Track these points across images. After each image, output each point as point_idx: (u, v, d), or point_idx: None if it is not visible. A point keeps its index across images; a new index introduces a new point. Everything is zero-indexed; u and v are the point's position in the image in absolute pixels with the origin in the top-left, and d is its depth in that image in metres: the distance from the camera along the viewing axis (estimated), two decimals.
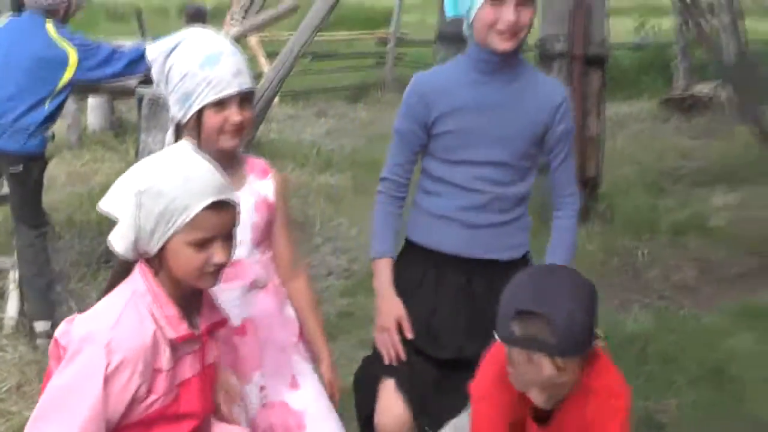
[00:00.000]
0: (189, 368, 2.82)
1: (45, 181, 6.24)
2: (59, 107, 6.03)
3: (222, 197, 2.71)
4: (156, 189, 2.67)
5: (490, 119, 3.39)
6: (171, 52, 3.18)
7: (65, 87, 5.90)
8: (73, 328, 2.70)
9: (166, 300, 2.74)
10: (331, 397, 3.43)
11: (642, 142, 12.83)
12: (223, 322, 2.98)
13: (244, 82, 3.16)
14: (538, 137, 3.47)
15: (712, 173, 10.72)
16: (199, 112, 3.13)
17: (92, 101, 11.31)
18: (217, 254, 2.73)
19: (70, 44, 5.85)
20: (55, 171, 8.67)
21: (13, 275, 6.19)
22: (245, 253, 3.29)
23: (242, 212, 2.97)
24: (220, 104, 3.12)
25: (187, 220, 2.67)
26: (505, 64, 3.38)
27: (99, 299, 2.82)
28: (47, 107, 5.84)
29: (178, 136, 3.22)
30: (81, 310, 2.87)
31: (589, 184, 8.91)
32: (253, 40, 13.79)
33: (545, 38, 9.14)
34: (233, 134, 3.18)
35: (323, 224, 8.15)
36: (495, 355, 3.05)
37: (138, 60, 6.09)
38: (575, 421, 3.02)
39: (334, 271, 7.18)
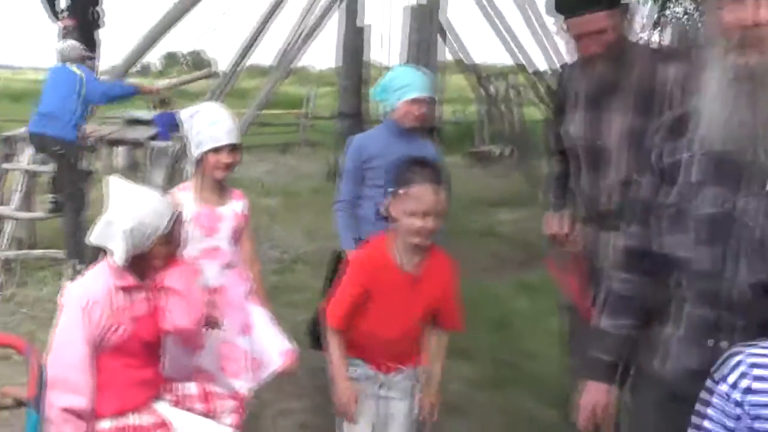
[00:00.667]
0: (140, 309, 2.73)
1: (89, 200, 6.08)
2: (84, 111, 6.22)
3: (173, 213, 2.73)
4: (138, 225, 2.63)
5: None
6: (194, 115, 3.17)
7: (85, 97, 6.12)
8: (66, 291, 2.68)
9: (121, 271, 2.67)
10: None
11: (456, 180, 12.68)
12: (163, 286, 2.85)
13: (232, 138, 3.15)
14: None
15: (500, 200, 10.72)
16: (205, 154, 3.11)
17: (119, 150, 11.00)
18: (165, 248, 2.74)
19: (79, 70, 6.16)
20: (95, 194, 8.37)
21: None
22: (226, 245, 3.24)
23: (227, 219, 3.20)
24: (216, 150, 3.10)
25: (161, 233, 2.67)
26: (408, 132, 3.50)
27: None
28: (77, 109, 6.06)
29: (196, 169, 3.24)
30: None
31: None
32: None
33: None
34: (223, 170, 3.16)
35: (264, 230, 7.97)
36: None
37: (127, 95, 6.81)
38: (433, 267, 2.81)
39: (271, 259, 7.03)
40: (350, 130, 12.20)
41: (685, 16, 12.35)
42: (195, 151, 3.16)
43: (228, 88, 11.40)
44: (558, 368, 3.50)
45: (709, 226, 1.84)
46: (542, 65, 12.66)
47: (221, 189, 3.26)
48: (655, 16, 12.33)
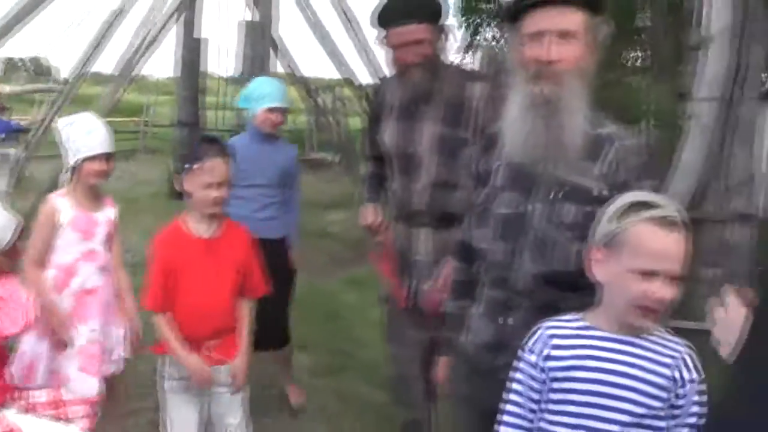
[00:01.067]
0: None
1: None
2: None
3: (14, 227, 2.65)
4: None
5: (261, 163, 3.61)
6: (70, 124, 3.11)
7: None
8: None
9: None
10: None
11: None
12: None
13: (106, 147, 3.10)
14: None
15: (331, 202, 10.80)
16: (80, 162, 3.05)
17: None
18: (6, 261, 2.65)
19: None
20: None
21: None
22: (101, 248, 3.17)
23: (101, 224, 3.15)
24: (92, 159, 3.07)
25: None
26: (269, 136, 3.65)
27: None
28: None
29: (72, 176, 3.12)
30: None
31: None
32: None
33: (238, 124, 9.06)
34: (97, 177, 3.12)
35: None
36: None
37: None
38: (232, 234, 2.87)
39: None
40: (188, 138, 11.96)
41: (494, 41, 12.94)
42: (71, 159, 3.09)
43: (71, 95, 10.89)
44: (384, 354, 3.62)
45: (504, 224, 2.04)
46: (366, 79, 12.95)
47: (96, 195, 3.19)
48: (468, 40, 12.84)
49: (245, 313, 2.95)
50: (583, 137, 1.95)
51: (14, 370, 2.96)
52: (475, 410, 2.20)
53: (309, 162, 15.91)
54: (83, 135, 3.08)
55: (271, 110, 3.62)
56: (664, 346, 1.69)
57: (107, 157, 3.11)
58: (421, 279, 2.94)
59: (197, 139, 3.04)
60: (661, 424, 1.66)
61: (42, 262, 3.06)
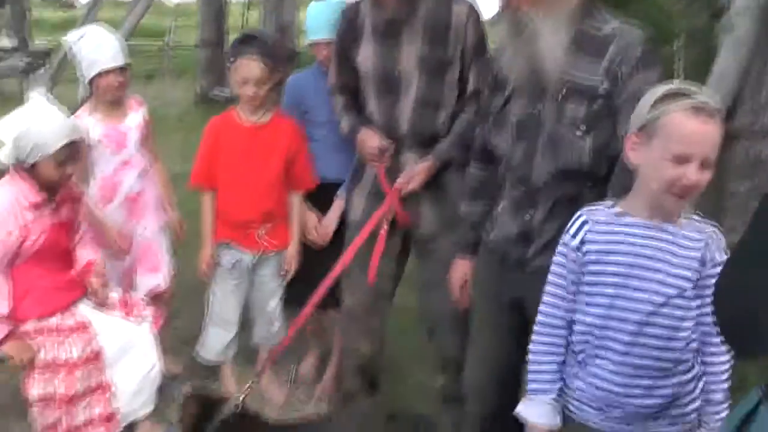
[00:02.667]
0: (49, 220, 2.81)
1: None
2: None
3: (73, 138, 2.76)
4: (29, 136, 2.68)
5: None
6: (79, 39, 3.15)
7: None
8: None
9: (28, 186, 2.73)
10: None
11: None
12: (77, 196, 2.98)
13: (119, 60, 3.16)
14: None
15: None
16: (94, 77, 3.12)
17: None
18: (68, 168, 2.76)
19: None
20: None
21: None
22: (136, 155, 3.30)
23: (131, 131, 3.24)
24: (105, 73, 3.14)
25: (47, 154, 2.70)
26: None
27: None
28: None
29: (90, 93, 3.23)
30: None
31: None
32: None
33: None
34: (114, 91, 3.21)
35: None
36: None
37: None
38: (279, 124, 3.14)
39: None
40: (212, 58, 11.99)
41: None
42: (87, 74, 3.15)
43: (91, 19, 10.94)
44: None
45: (519, 127, 2.24)
46: None
47: (119, 105, 3.27)
48: None
49: (294, 204, 3.19)
50: (587, 37, 2.10)
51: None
52: (503, 301, 2.39)
53: None
54: (94, 49, 3.13)
55: (316, 45, 3.23)
56: (695, 230, 1.83)
57: (121, 69, 3.17)
58: (407, 203, 2.90)
59: (237, 39, 3.11)
60: (691, 303, 1.81)
61: (87, 181, 3.21)
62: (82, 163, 2.98)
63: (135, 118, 3.30)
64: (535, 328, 1.99)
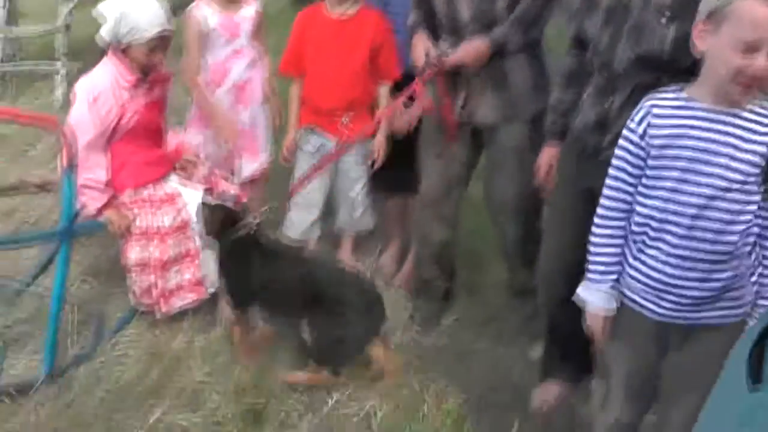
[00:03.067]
0: (142, 99, 3.02)
1: None
2: None
3: (166, 28, 2.95)
4: (128, 17, 2.88)
5: None
6: None
7: None
8: (77, 85, 2.97)
9: (124, 66, 2.93)
10: None
11: None
12: (167, 77, 3.17)
13: None
14: None
15: None
16: None
17: None
18: (157, 56, 2.98)
19: None
20: None
21: None
22: (247, 45, 3.44)
23: (244, 22, 3.39)
24: None
25: (141, 40, 2.90)
26: None
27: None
28: None
29: None
30: None
31: None
32: None
33: None
34: None
35: None
36: None
37: None
38: (365, 18, 3.22)
39: None
40: None
41: None
42: None
43: None
44: None
45: (609, 12, 2.22)
46: None
47: None
48: None
49: (381, 94, 3.29)
50: None
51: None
52: (578, 190, 2.43)
53: None
54: None
55: None
56: (763, 117, 1.80)
57: None
58: (471, 92, 2.93)
59: None
60: (754, 189, 1.81)
61: (200, 69, 3.39)
62: (167, 51, 3.12)
63: (249, 10, 3.44)
64: (597, 215, 2.01)
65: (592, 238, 2.02)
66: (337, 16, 3.21)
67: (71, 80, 5.95)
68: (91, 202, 2.94)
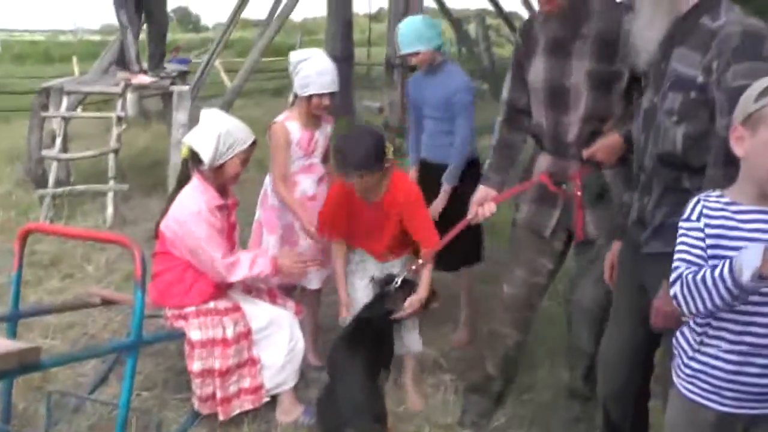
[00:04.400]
0: (226, 222, 3.22)
1: None
2: None
3: (253, 138, 3.22)
4: (231, 133, 3.12)
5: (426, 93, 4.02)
6: (304, 60, 3.58)
7: None
8: (171, 218, 3.13)
9: (213, 190, 3.14)
10: None
11: None
12: (238, 202, 3.37)
13: (334, 87, 3.59)
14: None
15: (480, 128, 10.90)
16: (310, 96, 3.57)
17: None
18: (244, 165, 3.21)
19: None
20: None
21: None
22: (319, 162, 3.77)
23: (320, 141, 3.69)
24: (320, 95, 3.57)
25: (242, 149, 3.14)
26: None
27: (172, 195, 3.25)
28: None
29: (294, 101, 3.68)
30: None
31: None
32: (217, 64, 13.54)
33: (388, 56, 9.41)
34: (323, 110, 3.64)
35: None
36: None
37: None
38: (391, 202, 3.32)
39: None
40: (341, 73, 12.28)
41: None
42: (301, 90, 3.58)
43: (225, 40, 11.63)
44: None
45: (644, 116, 2.38)
46: (512, 7, 12.78)
47: (317, 117, 3.71)
48: None
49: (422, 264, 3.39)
50: (700, 30, 2.18)
51: None
52: (631, 285, 2.52)
53: None
54: (316, 74, 3.53)
55: (407, 55, 3.97)
56: None
57: (331, 94, 3.60)
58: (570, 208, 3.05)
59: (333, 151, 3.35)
60: None
61: (286, 177, 3.65)
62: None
63: (325, 130, 3.74)
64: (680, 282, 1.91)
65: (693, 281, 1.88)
66: (367, 202, 3.34)
67: (118, 200, 6.31)
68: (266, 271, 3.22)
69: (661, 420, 2.42)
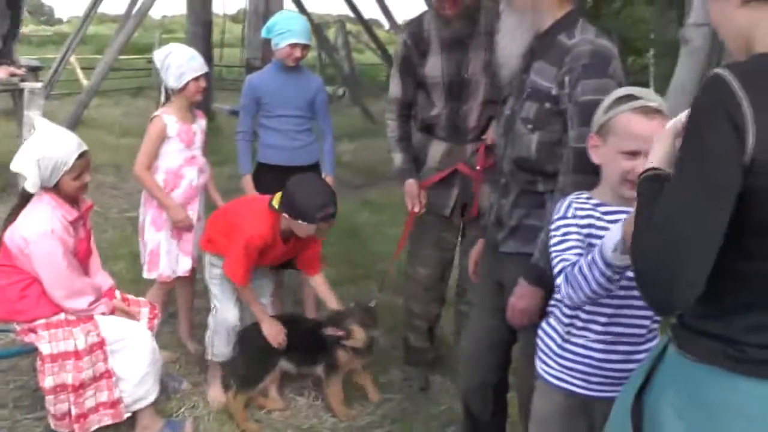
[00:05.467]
0: (81, 232, 3.09)
1: None
2: None
3: (82, 149, 3.00)
4: (49, 156, 2.90)
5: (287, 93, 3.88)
6: (169, 54, 3.62)
7: None
8: (17, 233, 2.92)
9: (61, 205, 2.97)
10: None
11: None
12: (90, 207, 3.21)
13: (205, 68, 3.68)
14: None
15: (340, 134, 10.97)
16: (187, 83, 3.60)
17: None
18: (86, 177, 3.04)
19: None
20: None
21: None
22: (199, 153, 3.80)
23: (198, 133, 3.75)
24: (197, 78, 3.62)
25: (67, 168, 2.94)
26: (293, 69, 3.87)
27: (16, 208, 3.02)
28: None
29: (167, 99, 3.68)
30: None
31: None
32: (72, 60, 12.85)
33: (248, 58, 9.30)
34: (201, 93, 3.70)
35: (127, 166, 7.88)
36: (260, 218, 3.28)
37: None
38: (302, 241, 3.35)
39: (139, 189, 7.00)
40: None
41: None
42: (177, 81, 3.60)
43: (80, 35, 11.11)
44: (398, 265, 3.95)
45: (505, 122, 2.48)
46: (371, 15, 12.99)
47: (190, 110, 3.74)
48: None
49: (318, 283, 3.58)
50: (557, 46, 2.30)
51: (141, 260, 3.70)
52: (486, 284, 2.63)
53: None
54: (187, 60, 3.58)
55: (293, 45, 3.78)
56: None
57: (205, 75, 3.67)
58: (468, 189, 3.34)
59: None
60: None
61: (150, 168, 3.65)
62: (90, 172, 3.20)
63: (201, 124, 3.81)
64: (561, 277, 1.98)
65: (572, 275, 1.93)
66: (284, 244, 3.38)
67: None
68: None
69: (516, 411, 2.61)
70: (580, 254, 1.95)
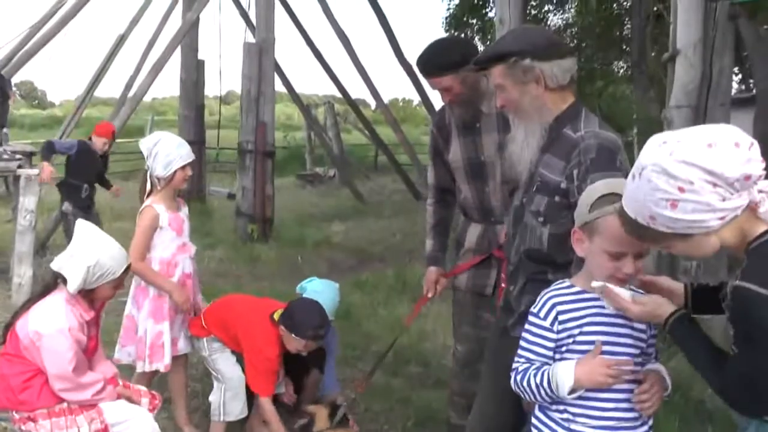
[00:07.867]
0: (92, 330, 3.07)
1: None
2: None
3: (128, 264, 3.08)
4: (101, 264, 2.95)
5: None
6: (158, 142, 3.60)
7: None
8: (32, 325, 2.92)
9: (82, 306, 2.99)
10: None
11: (293, 198, 13.18)
12: (102, 305, 3.21)
13: (192, 156, 3.70)
14: None
15: (330, 214, 11.13)
16: (175, 171, 3.61)
17: None
18: (121, 286, 3.11)
19: None
20: None
21: None
22: (189, 240, 3.81)
23: (185, 220, 3.75)
24: (184, 167, 3.63)
25: (114, 278, 3.00)
26: None
27: (34, 298, 3.05)
28: None
29: (152, 187, 3.65)
30: None
31: (266, 221, 9.22)
32: None
33: (242, 141, 9.45)
34: (187, 181, 3.76)
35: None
36: None
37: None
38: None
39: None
40: (195, 156, 12.12)
41: None
42: (165, 170, 3.61)
43: (77, 119, 11.26)
44: (395, 346, 3.99)
45: (513, 213, 2.54)
46: (359, 95, 13.27)
47: (175, 198, 3.75)
48: None
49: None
50: (563, 139, 2.38)
51: (138, 353, 3.66)
52: (498, 367, 2.61)
53: (306, 177, 16.27)
54: (175, 148, 3.59)
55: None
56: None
57: (191, 164, 3.70)
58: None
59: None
60: (651, 350, 2.07)
61: (144, 258, 3.62)
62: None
63: (185, 211, 3.82)
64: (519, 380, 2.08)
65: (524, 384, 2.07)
66: None
67: None
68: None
69: None
70: (542, 354, 2.06)
